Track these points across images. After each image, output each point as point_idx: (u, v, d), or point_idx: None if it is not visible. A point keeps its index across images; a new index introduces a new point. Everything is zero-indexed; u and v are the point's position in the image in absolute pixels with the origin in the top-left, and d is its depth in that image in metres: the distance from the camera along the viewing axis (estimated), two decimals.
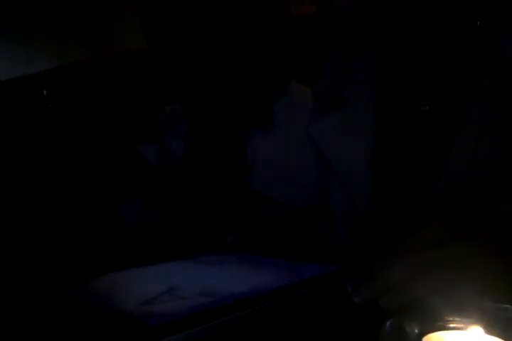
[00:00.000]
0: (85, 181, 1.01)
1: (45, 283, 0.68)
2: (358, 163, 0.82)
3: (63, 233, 0.94)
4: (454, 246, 0.55)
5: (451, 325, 0.47)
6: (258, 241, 0.80)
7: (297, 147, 1.06)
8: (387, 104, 0.82)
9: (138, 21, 1.13)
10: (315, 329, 0.56)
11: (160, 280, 0.64)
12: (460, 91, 0.75)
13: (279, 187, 1.05)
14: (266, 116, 1.14)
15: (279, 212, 0.92)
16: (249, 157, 1.13)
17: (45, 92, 0.88)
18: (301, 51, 1.25)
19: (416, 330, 0.47)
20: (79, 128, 0.96)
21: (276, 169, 1.10)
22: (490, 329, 0.47)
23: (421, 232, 0.58)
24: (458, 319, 0.48)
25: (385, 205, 0.80)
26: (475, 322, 0.48)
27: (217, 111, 1.15)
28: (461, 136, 0.73)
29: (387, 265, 0.56)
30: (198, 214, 0.88)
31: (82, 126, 0.96)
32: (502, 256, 0.55)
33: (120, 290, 0.62)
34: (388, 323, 0.48)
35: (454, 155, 0.73)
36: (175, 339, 0.50)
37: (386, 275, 0.55)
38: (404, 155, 0.79)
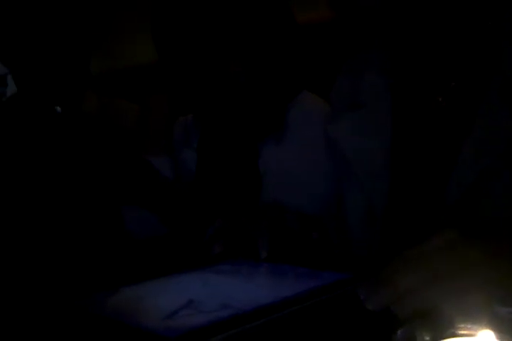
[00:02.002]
0: (96, 193, 1.02)
1: (58, 295, 0.69)
2: (375, 163, 0.83)
3: (75, 246, 0.94)
4: (465, 252, 0.56)
5: (463, 332, 0.48)
6: (279, 251, 0.81)
7: (311, 155, 1.07)
8: (403, 105, 0.83)
9: (149, 33, 1.15)
10: (329, 336, 0.57)
11: (178, 293, 0.64)
12: (473, 87, 0.76)
13: (292, 196, 1.05)
14: (278, 125, 1.14)
15: (301, 222, 0.92)
16: (262, 167, 1.14)
17: (58, 109, 0.89)
18: (311, 60, 1.25)
19: (427, 338, 0.47)
20: (91, 142, 0.97)
21: (290, 178, 1.11)
22: (501, 334, 0.48)
23: (432, 238, 0.59)
24: (469, 326, 0.48)
25: (401, 203, 0.81)
26: (486, 328, 0.49)
27: (228, 121, 1.15)
28: (474, 126, 0.74)
29: (399, 272, 0.57)
30: (218, 225, 0.88)
31: (95, 140, 0.98)
32: None
33: (139, 304, 0.62)
34: (400, 331, 0.49)
35: (466, 150, 0.74)
36: None
37: (398, 283, 0.56)
38: (419, 153, 0.80)
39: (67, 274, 0.80)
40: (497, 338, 0.47)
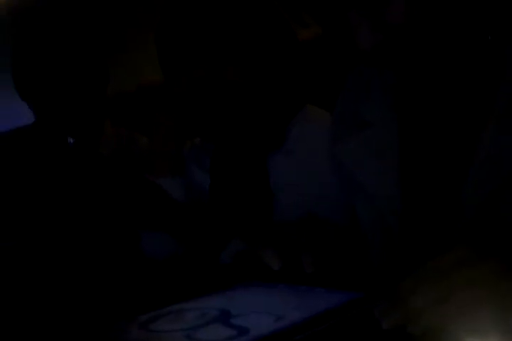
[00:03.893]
0: (111, 220, 1.03)
1: (77, 325, 0.69)
2: (385, 184, 0.83)
3: (95, 274, 0.95)
4: (479, 268, 0.57)
5: None
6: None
7: (319, 169, 1.07)
8: (408, 121, 0.83)
9: (154, 54, 1.17)
10: None
11: (194, 320, 0.65)
12: (479, 101, 0.77)
13: (303, 211, 1.06)
14: (284, 140, 1.15)
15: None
16: (272, 182, 1.15)
17: (71, 140, 0.90)
18: (315, 74, 1.27)
19: None
20: (98, 167, 0.99)
21: (300, 192, 1.11)
22: None
23: (445, 255, 0.59)
24: None
25: (415, 217, 0.81)
26: None
27: (235, 140, 1.17)
28: (483, 144, 0.74)
29: (414, 290, 0.57)
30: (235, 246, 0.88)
31: (101, 165, 0.99)
32: None
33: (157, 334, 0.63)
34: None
35: (478, 163, 0.75)
36: None
37: (412, 301, 0.56)
38: (428, 167, 0.81)
39: (87, 302, 0.81)
40: None
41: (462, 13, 0.72)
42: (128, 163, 1.22)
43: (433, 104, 0.80)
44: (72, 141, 0.90)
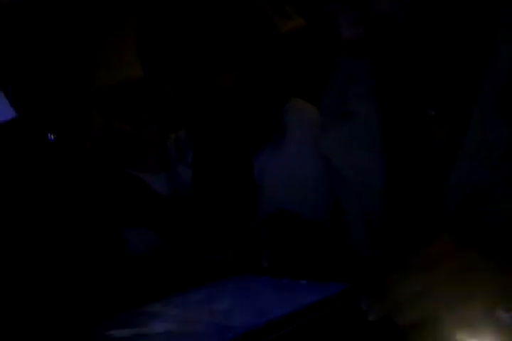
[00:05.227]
0: (93, 216, 1.03)
1: (59, 322, 0.68)
2: (370, 173, 0.83)
3: (78, 270, 0.94)
4: (465, 258, 0.57)
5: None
6: (282, 261, 0.81)
7: (304, 161, 1.07)
8: (392, 113, 0.83)
9: (134, 49, 1.16)
10: None
11: (183, 312, 0.65)
12: (463, 94, 0.77)
13: (290, 203, 1.06)
14: (270, 134, 1.15)
15: (302, 229, 0.93)
16: (257, 176, 1.14)
17: (52, 136, 0.89)
18: (299, 67, 1.26)
19: None
20: (80, 162, 0.98)
21: (286, 185, 1.11)
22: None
23: (431, 245, 0.59)
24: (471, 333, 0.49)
25: (398, 210, 0.81)
26: (489, 335, 0.50)
27: (220, 134, 1.16)
28: (467, 137, 0.74)
29: (399, 281, 0.57)
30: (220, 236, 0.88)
31: (84, 160, 0.98)
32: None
33: (144, 328, 0.62)
34: None
35: (462, 157, 0.75)
36: None
37: (399, 292, 0.56)
38: (413, 160, 0.81)
39: (71, 299, 0.80)
40: None
41: (448, 3, 0.72)
42: (112, 156, 1.21)
43: (417, 95, 0.80)
44: (53, 137, 0.89)
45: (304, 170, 1.08)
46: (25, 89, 1.24)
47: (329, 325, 0.60)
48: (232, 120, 1.13)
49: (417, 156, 0.80)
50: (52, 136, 0.90)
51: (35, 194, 0.96)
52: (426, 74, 0.79)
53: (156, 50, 1.11)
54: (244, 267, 0.79)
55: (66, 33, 1.27)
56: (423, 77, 0.79)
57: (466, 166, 0.74)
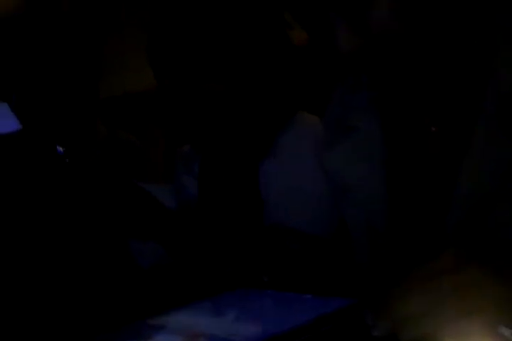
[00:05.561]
0: (98, 224, 1.03)
1: (66, 334, 0.69)
2: (372, 188, 0.84)
3: (84, 282, 0.94)
4: (469, 273, 0.57)
5: None
6: (283, 275, 0.81)
7: (309, 175, 1.08)
8: (394, 128, 0.84)
9: (141, 58, 1.16)
10: None
11: (185, 327, 0.65)
12: (466, 109, 0.77)
13: (295, 217, 1.06)
14: (275, 147, 1.15)
15: (303, 243, 0.93)
16: (262, 189, 1.15)
17: (61, 149, 0.89)
18: (307, 80, 1.27)
19: None
20: (88, 173, 0.98)
21: (288, 199, 1.11)
22: None
23: (434, 260, 0.60)
24: None
25: (401, 225, 0.81)
26: None
27: (225, 145, 1.17)
28: (470, 151, 0.75)
29: (402, 297, 0.57)
30: (224, 250, 0.88)
31: (92, 171, 0.98)
32: None
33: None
34: None
35: (464, 173, 0.75)
36: None
37: (402, 308, 0.56)
38: (415, 175, 0.81)
39: (76, 310, 0.80)
40: None
41: (448, 18, 0.72)
42: (119, 168, 1.22)
43: (419, 111, 0.81)
44: (61, 149, 0.89)
45: (306, 185, 1.09)
46: (30, 100, 1.25)
47: (333, 340, 0.60)
48: (237, 130, 1.13)
49: (419, 171, 0.80)
50: (61, 148, 0.91)
51: (43, 205, 0.96)
52: (428, 89, 0.79)
53: (167, 58, 1.11)
54: (247, 281, 0.79)
55: (71, 43, 1.27)
56: (425, 92, 0.80)
57: (468, 182, 0.74)
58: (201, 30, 1.09)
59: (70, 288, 0.89)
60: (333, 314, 0.63)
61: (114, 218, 1.01)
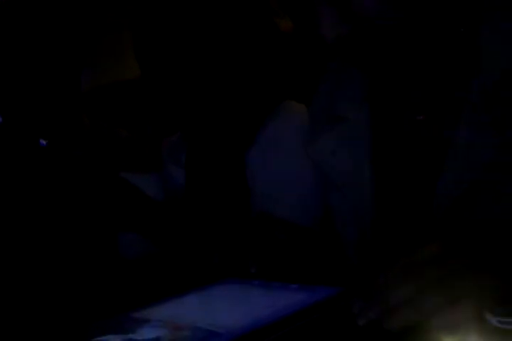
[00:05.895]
0: (83, 217, 1.02)
1: (53, 325, 0.68)
2: (359, 177, 0.83)
3: (71, 273, 0.94)
4: (455, 262, 0.57)
5: None
6: (271, 265, 0.81)
7: (295, 164, 1.07)
8: (381, 118, 0.83)
9: (130, 49, 1.15)
10: None
11: (173, 318, 0.65)
12: (452, 98, 0.77)
13: (281, 206, 1.06)
14: (261, 135, 1.15)
15: (290, 233, 0.93)
16: (249, 178, 1.14)
17: (44, 142, 0.89)
18: (294, 68, 1.26)
19: None
20: (72, 166, 0.97)
21: (275, 189, 1.11)
22: None
23: (421, 249, 0.60)
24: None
25: (389, 213, 0.81)
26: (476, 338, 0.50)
27: (212, 133, 1.16)
28: (455, 140, 0.75)
29: (389, 285, 0.57)
30: (211, 240, 0.88)
31: (75, 164, 0.98)
32: (501, 267, 0.56)
33: (132, 333, 0.62)
34: None
35: (450, 160, 0.75)
36: None
37: (388, 297, 0.57)
38: (402, 164, 0.81)
39: (63, 302, 0.80)
40: None
41: (435, 4, 0.72)
42: (103, 160, 1.21)
43: (406, 99, 0.81)
44: (44, 142, 0.88)
45: (292, 174, 1.08)
46: (12, 93, 1.24)
47: (320, 329, 0.60)
48: (222, 118, 1.13)
49: (406, 160, 0.80)
50: (44, 142, 0.90)
51: (28, 198, 0.96)
52: (415, 79, 0.79)
53: (153, 50, 1.11)
54: (233, 272, 0.79)
55: (53, 35, 1.26)
56: (412, 81, 0.79)
57: (453, 170, 0.74)
58: (187, 18, 1.08)
59: (53, 280, 0.89)
60: (320, 303, 0.63)
61: (98, 209, 1.01)
